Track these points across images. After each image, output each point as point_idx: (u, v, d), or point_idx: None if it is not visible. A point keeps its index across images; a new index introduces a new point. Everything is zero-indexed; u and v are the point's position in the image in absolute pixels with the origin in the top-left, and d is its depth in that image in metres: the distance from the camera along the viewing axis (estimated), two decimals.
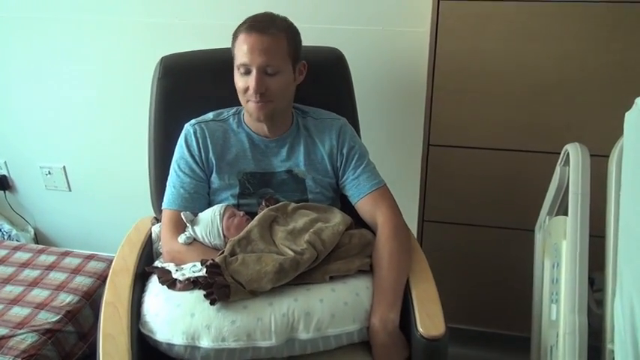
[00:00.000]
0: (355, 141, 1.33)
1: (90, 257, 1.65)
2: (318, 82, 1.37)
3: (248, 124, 1.31)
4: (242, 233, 1.15)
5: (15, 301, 1.46)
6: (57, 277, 1.56)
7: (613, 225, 1.09)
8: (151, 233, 1.33)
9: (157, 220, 1.36)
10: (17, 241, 2.12)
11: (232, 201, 1.26)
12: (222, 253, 1.12)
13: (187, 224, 1.21)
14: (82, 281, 1.54)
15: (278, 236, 1.15)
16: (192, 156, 1.27)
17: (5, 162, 2.18)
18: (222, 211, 1.21)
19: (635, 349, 0.87)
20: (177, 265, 1.16)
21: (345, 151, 1.30)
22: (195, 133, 1.28)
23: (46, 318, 1.39)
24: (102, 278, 1.56)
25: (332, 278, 1.12)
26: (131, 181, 1.96)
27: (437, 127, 1.49)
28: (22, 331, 1.34)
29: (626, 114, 1.04)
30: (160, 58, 1.39)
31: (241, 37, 1.19)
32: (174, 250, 1.21)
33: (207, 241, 1.20)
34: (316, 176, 1.29)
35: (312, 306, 1.05)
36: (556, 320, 1.16)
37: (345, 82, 1.45)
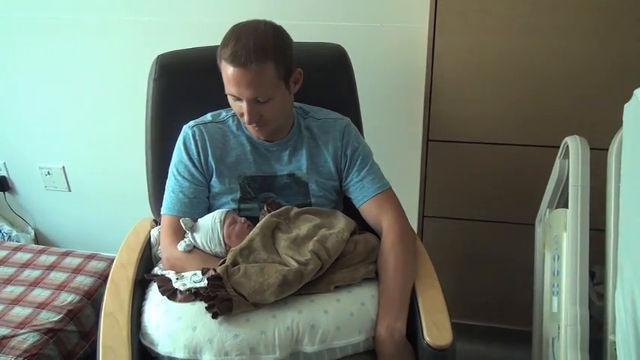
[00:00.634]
0: (359, 142, 1.29)
1: (90, 257, 1.65)
2: (320, 80, 1.34)
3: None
4: (244, 242, 1.11)
5: (16, 301, 1.45)
6: (58, 276, 1.56)
7: (613, 217, 1.10)
8: (150, 237, 1.31)
9: (156, 222, 1.34)
10: (17, 242, 2.12)
11: (233, 205, 1.22)
12: (224, 262, 1.08)
13: (187, 231, 1.18)
14: (83, 281, 1.54)
15: (281, 245, 1.12)
16: (191, 159, 1.23)
17: (5, 163, 2.18)
18: (222, 218, 1.17)
19: (637, 339, 0.87)
20: (177, 272, 1.13)
21: (349, 152, 1.26)
22: (194, 135, 1.24)
23: (48, 318, 1.39)
24: (103, 277, 1.56)
25: (337, 287, 1.09)
26: (131, 181, 1.95)
27: (436, 122, 1.48)
28: (23, 330, 1.34)
29: (625, 106, 1.05)
30: (157, 56, 1.38)
31: (224, 65, 1.10)
32: (174, 258, 1.18)
33: (207, 248, 1.17)
34: (319, 180, 1.26)
35: (316, 318, 1.03)
36: (557, 312, 1.16)
37: (347, 80, 1.41)
